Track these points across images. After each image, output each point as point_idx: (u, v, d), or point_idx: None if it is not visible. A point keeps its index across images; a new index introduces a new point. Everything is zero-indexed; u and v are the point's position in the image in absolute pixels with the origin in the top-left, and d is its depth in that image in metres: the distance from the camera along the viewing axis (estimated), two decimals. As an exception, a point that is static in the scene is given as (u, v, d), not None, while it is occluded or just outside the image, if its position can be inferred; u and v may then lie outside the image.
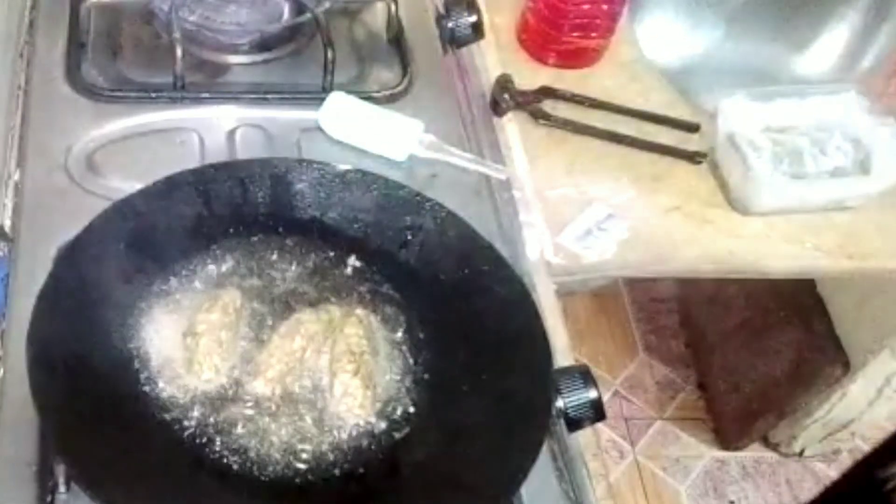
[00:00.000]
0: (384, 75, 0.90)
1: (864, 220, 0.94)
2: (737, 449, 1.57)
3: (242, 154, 0.80)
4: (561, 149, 0.94)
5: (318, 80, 0.86)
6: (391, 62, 0.92)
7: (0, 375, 0.64)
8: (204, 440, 0.61)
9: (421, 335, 0.69)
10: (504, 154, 0.90)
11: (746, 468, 1.56)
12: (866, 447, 1.57)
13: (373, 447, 0.63)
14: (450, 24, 0.90)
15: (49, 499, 0.59)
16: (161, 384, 0.63)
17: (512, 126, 0.94)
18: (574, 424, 0.66)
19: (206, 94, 0.84)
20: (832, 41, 1.20)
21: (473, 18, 0.90)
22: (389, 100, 0.87)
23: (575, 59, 1.01)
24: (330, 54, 0.85)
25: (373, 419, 0.64)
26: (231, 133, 0.82)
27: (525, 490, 0.64)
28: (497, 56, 0.99)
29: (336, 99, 0.84)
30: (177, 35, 0.82)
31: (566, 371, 0.67)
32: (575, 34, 0.98)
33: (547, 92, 0.97)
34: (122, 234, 0.67)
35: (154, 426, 0.61)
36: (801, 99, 0.97)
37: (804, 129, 0.96)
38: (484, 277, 0.70)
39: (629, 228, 0.88)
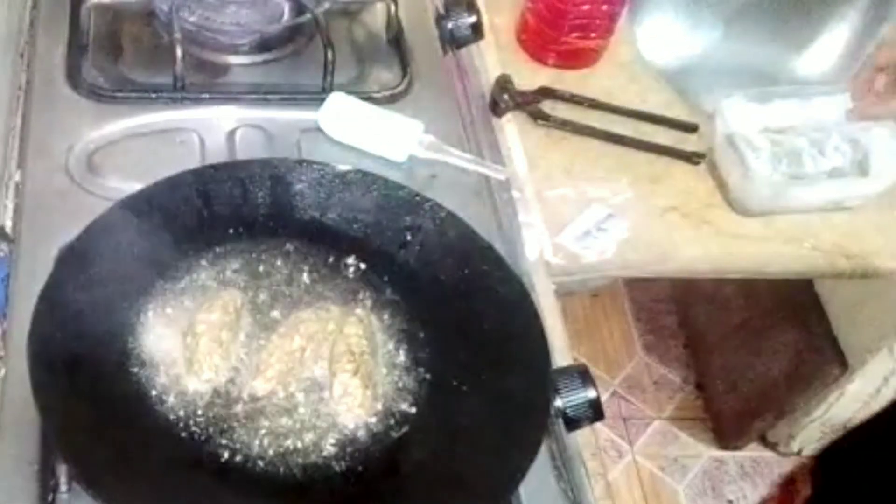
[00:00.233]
0: (384, 76, 0.91)
1: (863, 221, 0.94)
2: (735, 448, 1.57)
3: (242, 154, 0.80)
4: (560, 149, 0.94)
5: (318, 80, 0.86)
6: (391, 63, 0.92)
7: (1, 375, 0.64)
8: (204, 440, 0.61)
9: (420, 335, 0.69)
10: (503, 154, 0.90)
11: (745, 468, 1.56)
12: (865, 447, 1.58)
13: (372, 447, 0.63)
14: (449, 25, 0.90)
15: (50, 498, 0.59)
16: (161, 384, 0.63)
17: (511, 126, 0.94)
18: (572, 424, 0.66)
19: (207, 95, 0.84)
20: (831, 42, 1.20)
21: (473, 19, 0.90)
22: (389, 100, 0.87)
23: (574, 59, 1.01)
24: (330, 55, 0.85)
25: (372, 419, 0.64)
26: (231, 133, 0.83)
27: (524, 489, 0.64)
28: (496, 56, 0.99)
29: (336, 99, 0.84)
30: (177, 35, 0.82)
31: (565, 371, 0.67)
32: (574, 35, 0.98)
33: (546, 92, 0.97)
34: (122, 234, 0.67)
35: (154, 426, 0.61)
36: (799, 100, 0.97)
37: (803, 130, 0.96)
38: (483, 277, 0.70)
39: (628, 228, 0.88)
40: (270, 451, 0.62)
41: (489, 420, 0.63)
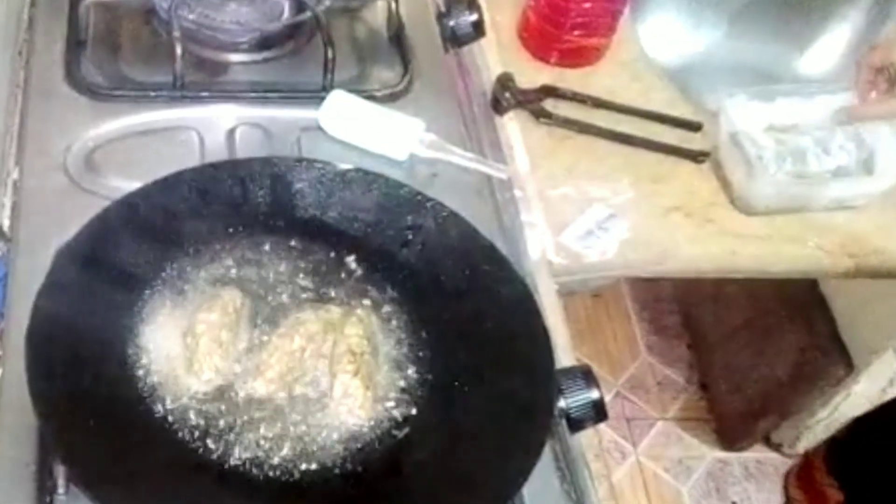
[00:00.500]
0: (385, 74, 0.90)
1: (867, 220, 0.94)
2: (739, 449, 1.57)
3: (242, 153, 0.80)
4: (562, 148, 0.94)
5: (319, 78, 0.85)
6: (392, 61, 0.91)
7: (-1, 376, 0.64)
8: (203, 441, 0.61)
9: (422, 335, 0.68)
10: (505, 153, 0.90)
11: (749, 469, 1.56)
12: (869, 448, 1.57)
13: (373, 448, 0.63)
14: (451, 23, 0.90)
15: (48, 500, 0.59)
16: (161, 384, 0.63)
17: (513, 125, 0.93)
18: (576, 425, 0.66)
19: (206, 93, 0.84)
20: (835, 40, 1.20)
21: (474, 17, 0.89)
22: (390, 98, 0.87)
23: (576, 57, 1.01)
24: (330, 53, 0.84)
25: (373, 420, 0.64)
26: (231, 132, 0.82)
27: (527, 491, 0.64)
28: (498, 55, 0.98)
29: (336, 98, 0.84)
30: (176, 34, 0.82)
31: (568, 371, 0.67)
32: (576, 33, 0.98)
33: (548, 91, 0.97)
34: (121, 233, 0.66)
35: (154, 427, 0.61)
36: (803, 98, 0.97)
37: (807, 129, 0.95)
38: (485, 277, 0.69)
39: (631, 228, 0.88)
40: (270, 452, 0.61)
41: (491, 421, 0.63)
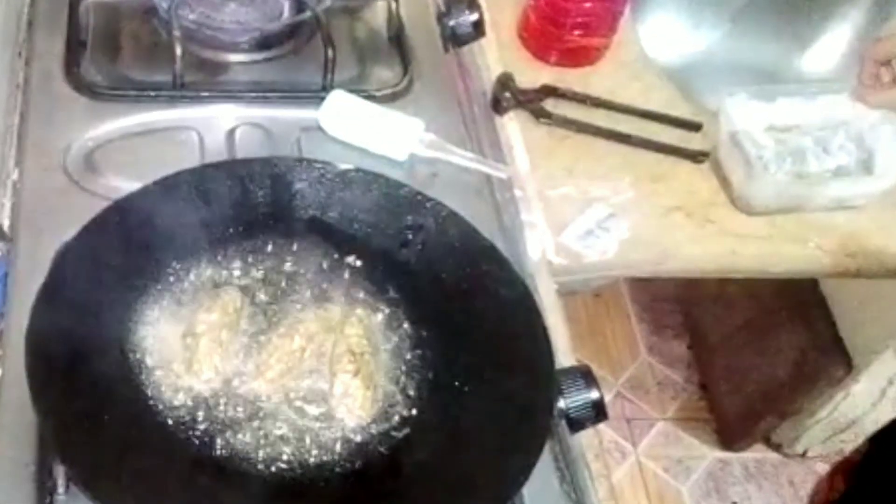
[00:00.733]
0: (385, 74, 0.90)
1: (868, 220, 0.94)
2: (739, 450, 1.57)
3: (242, 153, 0.80)
4: (562, 148, 0.94)
5: (319, 78, 0.85)
6: (392, 61, 0.91)
7: (-1, 375, 0.64)
8: (204, 440, 0.61)
9: (422, 335, 0.68)
10: (505, 153, 0.90)
11: (749, 469, 1.56)
12: (870, 448, 1.57)
13: (373, 448, 0.63)
14: (451, 23, 0.90)
15: (48, 500, 0.59)
16: (160, 384, 0.63)
17: (513, 125, 0.93)
18: (576, 425, 0.66)
19: (206, 93, 0.84)
20: (835, 40, 1.20)
21: (474, 16, 0.89)
22: (390, 98, 0.87)
23: (577, 57, 1.01)
24: (330, 53, 0.84)
25: (373, 420, 0.64)
26: (231, 132, 0.82)
27: (527, 491, 0.64)
28: (498, 54, 0.98)
29: (336, 98, 0.84)
30: (176, 33, 0.82)
31: (568, 371, 0.66)
32: (577, 33, 0.98)
33: (548, 91, 0.97)
34: (121, 233, 0.66)
35: (153, 427, 0.61)
36: (804, 98, 0.97)
37: (807, 128, 0.95)
38: (485, 277, 0.69)
39: (631, 228, 0.88)
40: (270, 453, 0.61)
41: (491, 421, 0.63)
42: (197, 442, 0.61)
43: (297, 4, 0.90)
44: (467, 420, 0.63)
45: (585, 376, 0.66)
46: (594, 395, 0.65)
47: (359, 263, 0.72)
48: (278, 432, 0.62)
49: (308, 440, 0.62)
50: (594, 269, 0.87)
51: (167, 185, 0.69)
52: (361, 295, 0.70)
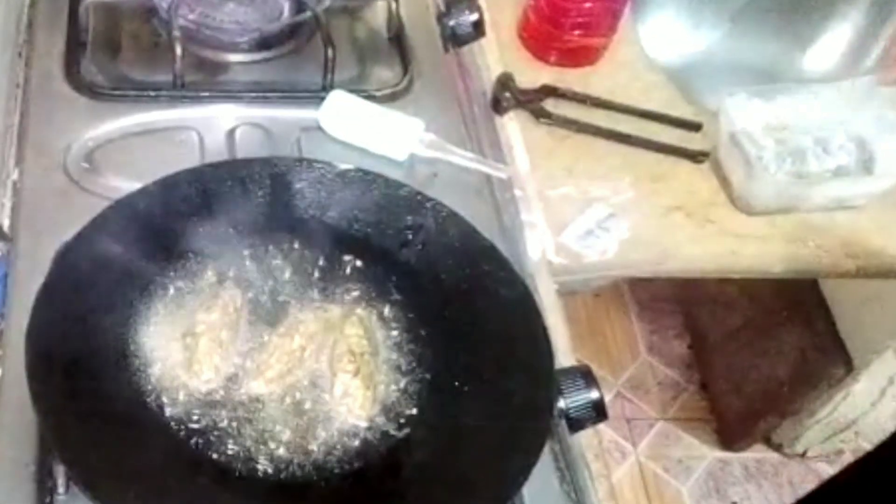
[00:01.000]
0: (385, 74, 0.90)
1: (868, 220, 0.94)
2: (739, 450, 1.57)
3: (242, 153, 0.80)
4: (562, 148, 0.94)
5: (319, 78, 0.85)
6: (392, 61, 0.91)
7: (-1, 375, 0.64)
8: (203, 440, 0.61)
9: (422, 335, 0.68)
10: (505, 153, 0.90)
11: (749, 469, 1.56)
12: (870, 448, 1.57)
13: (373, 448, 0.63)
14: (451, 23, 0.90)
15: (48, 500, 0.59)
16: (160, 384, 0.63)
17: (513, 125, 0.93)
18: (576, 425, 0.66)
19: (206, 93, 0.84)
20: (835, 39, 1.20)
21: (474, 16, 0.89)
22: (390, 98, 0.87)
23: (576, 57, 1.01)
24: (330, 53, 0.84)
25: (373, 420, 0.64)
26: (231, 132, 0.82)
27: (526, 491, 0.64)
28: (498, 54, 0.98)
29: (336, 98, 0.84)
30: (176, 33, 0.82)
31: (568, 371, 0.66)
32: (576, 32, 0.98)
33: (548, 91, 0.97)
34: (121, 233, 0.66)
35: (153, 427, 0.61)
36: (804, 98, 0.96)
37: (807, 128, 0.95)
38: (485, 277, 0.69)
39: (631, 228, 0.88)
40: (270, 453, 0.61)
41: (491, 421, 0.63)
42: (197, 442, 0.61)
43: (297, 4, 0.90)
44: (467, 420, 0.63)
45: (585, 376, 0.66)
46: (594, 395, 0.65)
47: (359, 263, 0.72)
48: (278, 432, 0.62)
49: (308, 440, 0.62)
50: (594, 269, 0.86)
51: (167, 185, 0.69)
52: (361, 295, 0.70)
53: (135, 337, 0.64)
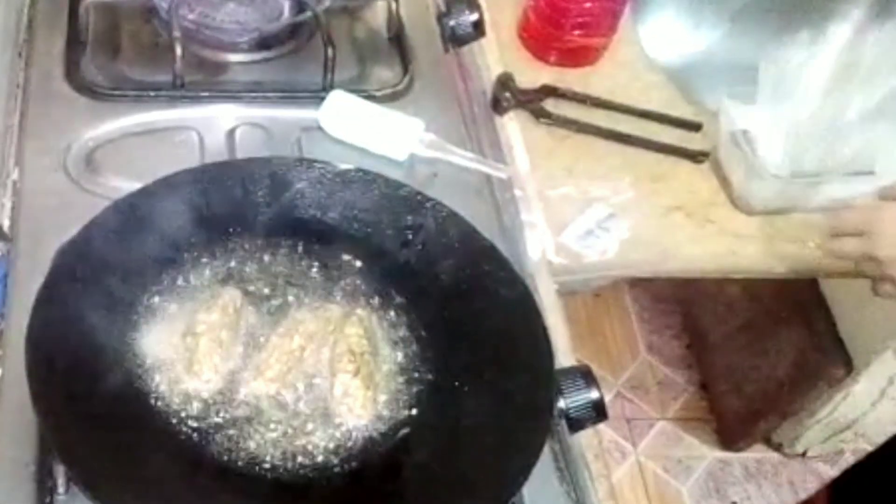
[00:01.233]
0: (385, 74, 0.90)
1: (868, 220, 0.93)
2: (739, 450, 1.57)
3: (242, 153, 0.80)
4: (562, 148, 0.94)
5: (319, 78, 0.85)
6: (392, 61, 0.91)
7: (-1, 375, 0.64)
8: (204, 440, 0.61)
9: (422, 335, 0.68)
10: (505, 153, 0.90)
11: (749, 469, 1.56)
12: (870, 448, 1.57)
13: (373, 448, 0.63)
14: (451, 23, 0.90)
15: (48, 500, 0.59)
16: (160, 385, 0.63)
17: (513, 125, 0.93)
18: (576, 425, 0.66)
19: (206, 93, 0.83)
20: (835, 40, 1.20)
21: (474, 16, 0.89)
22: (390, 98, 0.87)
23: (576, 57, 1.01)
24: (330, 53, 0.84)
25: (373, 420, 0.64)
26: (231, 132, 0.82)
27: (526, 491, 0.64)
28: (498, 54, 0.98)
29: (336, 98, 0.84)
30: (176, 33, 0.81)
31: (568, 371, 0.66)
32: (576, 32, 0.98)
33: (548, 91, 0.97)
34: (121, 233, 0.66)
35: (153, 427, 0.61)
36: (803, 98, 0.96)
37: (807, 128, 0.95)
38: (485, 277, 0.69)
39: (631, 228, 0.88)
40: (270, 453, 0.61)
41: (491, 421, 0.63)
42: (197, 442, 0.60)
43: (297, 4, 0.90)
44: (467, 420, 0.63)
45: (585, 376, 0.66)
46: (594, 395, 0.65)
47: (359, 263, 0.72)
48: (278, 432, 0.62)
49: (308, 440, 0.62)
50: (594, 269, 0.86)
51: (167, 185, 0.69)
52: (361, 295, 0.70)
53: (135, 337, 0.64)
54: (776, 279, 0.94)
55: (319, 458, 0.61)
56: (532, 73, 0.98)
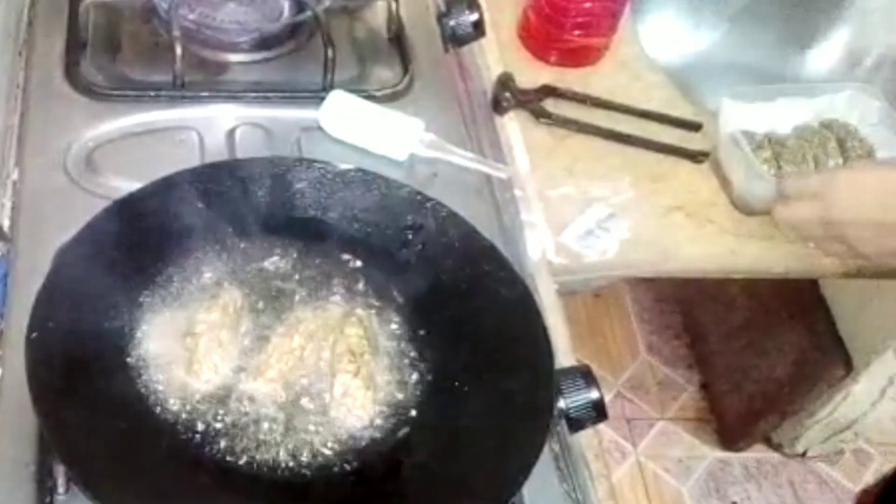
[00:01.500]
0: (385, 74, 0.90)
1: (868, 220, 0.93)
2: (739, 450, 1.57)
3: (242, 153, 0.80)
4: (562, 148, 0.94)
5: (319, 78, 0.85)
6: (392, 61, 0.91)
7: (-1, 375, 0.64)
8: (203, 440, 0.61)
9: (421, 335, 0.68)
10: (505, 153, 0.90)
11: (749, 469, 1.56)
12: (869, 448, 1.57)
13: (373, 448, 0.62)
14: (451, 22, 0.90)
15: (48, 500, 0.59)
16: (160, 384, 0.63)
17: (513, 125, 0.93)
18: (576, 425, 0.66)
19: (206, 93, 0.83)
20: (835, 39, 1.20)
21: (475, 16, 0.89)
22: (390, 98, 0.87)
23: (577, 57, 1.01)
24: (330, 53, 0.84)
25: (373, 420, 0.64)
26: (231, 132, 0.82)
27: (526, 491, 0.64)
28: (498, 54, 0.98)
29: (336, 98, 0.84)
30: (176, 33, 0.81)
31: (568, 371, 0.66)
32: (577, 32, 0.98)
33: (548, 90, 0.97)
34: (121, 233, 0.66)
35: (153, 427, 0.61)
36: (803, 98, 0.96)
37: (807, 128, 0.95)
38: (485, 277, 0.69)
39: (631, 228, 0.88)
40: (270, 452, 0.61)
41: (491, 421, 0.63)
42: (197, 442, 0.60)
43: (297, 4, 0.90)
44: (467, 420, 0.63)
45: (585, 376, 0.66)
46: (594, 395, 0.65)
47: (359, 263, 0.72)
48: (278, 432, 0.62)
49: (308, 440, 0.62)
50: (594, 269, 0.86)
51: (167, 185, 0.69)
52: (361, 295, 0.70)
53: (135, 337, 0.64)
54: (776, 279, 0.94)
55: (319, 458, 0.61)
56: (532, 73, 0.98)
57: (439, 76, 0.91)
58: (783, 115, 0.95)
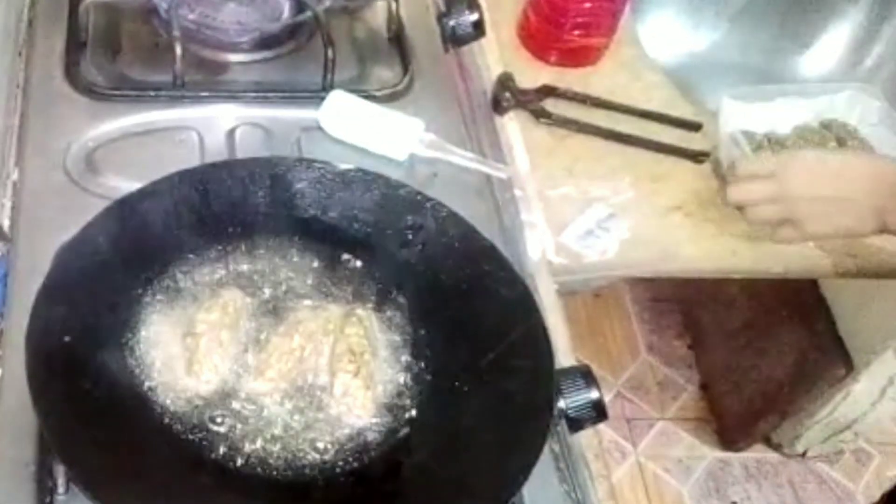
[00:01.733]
0: (385, 74, 0.90)
1: (868, 220, 0.93)
2: (739, 450, 1.57)
3: (242, 153, 0.80)
4: (562, 148, 0.94)
5: (319, 78, 0.85)
6: (392, 61, 0.91)
7: (-2, 375, 0.64)
8: (204, 441, 0.61)
9: (421, 335, 0.68)
10: (505, 153, 0.90)
11: (749, 469, 1.56)
12: (869, 448, 1.57)
13: (373, 448, 0.63)
14: (451, 23, 0.90)
15: (48, 500, 0.59)
16: (160, 384, 0.63)
17: (513, 125, 0.93)
18: (576, 425, 0.66)
19: (206, 93, 0.83)
20: (835, 39, 1.20)
21: (474, 16, 0.89)
22: (390, 98, 0.87)
23: (576, 57, 1.01)
24: (330, 53, 0.84)
25: (373, 420, 0.64)
26: (231, 132, 0.82)
27: (526, 491, 0.64)
28: (498, 54, 0.98)
29: (336, 98, 0.84)
30: (176, 33, 0.81)
31: (568, 371, 0.66)
32: (576, 32, 0.98)
33: (548, 91, 0.97)
34: (121, 233, 0.66)
35: (153, 426, 0.61)
36: (803, 98, 0.97)
37: (806, 128, 0.95)
38: (485, 277, 0.69)
39: (630, 228, 0.88)
40: (271, 452, 0.61)
41: (491, 421, 0.63)
42: (197, 442, 0.60)
43: (297, 4, 0.90)
44: (467, 420, 0.63)
45: (585, 376, 0.66)
46: (594, 395, 0.65)
47: (359, 263, 0.72)
48: (278, 432, 0.62)
49: (308, 440, 0.62)
50: (594, 269, 0.87)
51: (167, 185, 0.69)
52: (361, 295, 0.70)
53: (135, 337, 0.64)
54: (776, 279, 0.94)
55: (319, 458, 0.61)
56: (532, 73, 0.98)
57: (439, 76, 0.91)
58: (783, 115, 0.96)
